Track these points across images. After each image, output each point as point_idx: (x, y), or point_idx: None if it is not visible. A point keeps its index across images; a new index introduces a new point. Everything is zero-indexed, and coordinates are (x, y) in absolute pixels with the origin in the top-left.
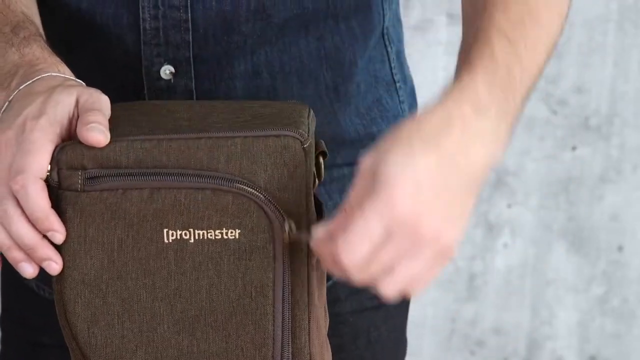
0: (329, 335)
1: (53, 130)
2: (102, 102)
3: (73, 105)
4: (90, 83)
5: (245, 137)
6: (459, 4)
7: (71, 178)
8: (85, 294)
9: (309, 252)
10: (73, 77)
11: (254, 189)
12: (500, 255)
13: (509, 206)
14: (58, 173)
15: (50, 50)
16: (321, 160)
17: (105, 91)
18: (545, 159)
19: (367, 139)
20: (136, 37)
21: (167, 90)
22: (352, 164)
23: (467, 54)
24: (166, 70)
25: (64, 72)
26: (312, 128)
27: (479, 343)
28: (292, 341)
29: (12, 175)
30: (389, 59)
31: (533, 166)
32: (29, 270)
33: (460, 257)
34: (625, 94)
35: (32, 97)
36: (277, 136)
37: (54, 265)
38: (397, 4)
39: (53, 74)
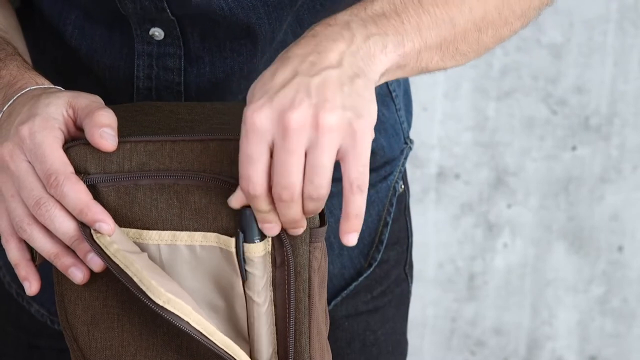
0: None
1: (51, 125)
2: (102, 101)
3: (64, 105)
4: None
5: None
6: None
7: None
8: (85, 296)
9: (311, 256)
10: (52, 86)
11: None
12: (500, 255)
13: (509, 206)
14: None
15: (28, 66)
16: None
17: None
18: (545, 159)
19: None
20: (130, 92)
21: None
22: None
23: None
24: None
25: (43, 83)
26: None
27: (479, 343)
28: (292, 344)
29: (46, 182)
30: None
31: (533, 166)
32: (79, 276)
33: (460, 257)
34: (625, 94)
35: (17, 110)
36: None
37: (96, 260)
38: None
39: (32, 87)
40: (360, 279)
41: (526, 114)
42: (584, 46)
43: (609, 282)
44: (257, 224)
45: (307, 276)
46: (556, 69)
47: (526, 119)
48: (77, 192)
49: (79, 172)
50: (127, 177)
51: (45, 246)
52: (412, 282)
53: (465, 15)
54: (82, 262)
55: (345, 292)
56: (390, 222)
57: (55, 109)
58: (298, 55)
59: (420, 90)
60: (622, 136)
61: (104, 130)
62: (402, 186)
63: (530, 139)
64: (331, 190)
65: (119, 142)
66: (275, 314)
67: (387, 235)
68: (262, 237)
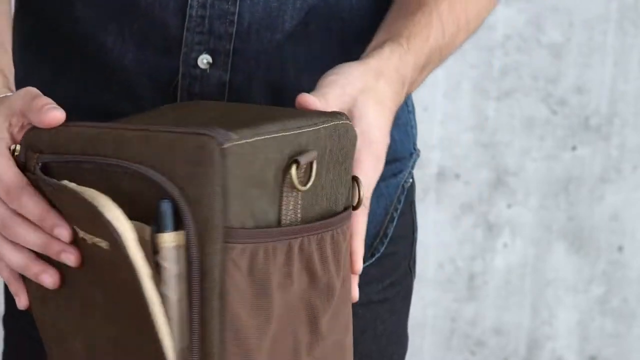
0: None
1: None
2: (33, 90)
3: (5, 121)
4: (122, 63)
5: (170, 132)
6: None
7: (31, 160)
8: None
9: (227, 257)
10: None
11: (170, 184)
12: (500, 255)
13: (509, 206)
14: (25, 154)
15: None
16: (293, 169)
17: (137, 74)
18: (545, 159)
19: None
20: (180, 23)
21: (200, 79)
22: None
23: (409, 22)
24: (204, 60)
25: None
26: (303, 138)
27: (479, 343)
28: (196, 343)
29: (6, 197)
30: None
31: (533, 166)
32: (49, 280)
33: (460, 257)
34: (625, 94)
35: None
36: (198, 134)
37: (71, 256)
38: None
39: None
40: (363, 265)
41: (526, 114)
42: (584, 46)
43: (609, 282)
44: (171, 215)
45: (220, 278)
46: (556, 69)
47: (526, 119)
48: (35, 202)
49: (35, 151)
50: (72, 159)
51: (14, 260)
52: (414, 278)
53: (461, 37)
54: (51, 267)
55: None
56: (396, 217)
57: None
58: (391, 105)
59: (420, 90)
60: (622, 136)
61: (47, 106)
62: (411, 181)
63: (530, 139)
64: None
65: (69, 126)
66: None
67: (392, 229)
68: (175, 229)
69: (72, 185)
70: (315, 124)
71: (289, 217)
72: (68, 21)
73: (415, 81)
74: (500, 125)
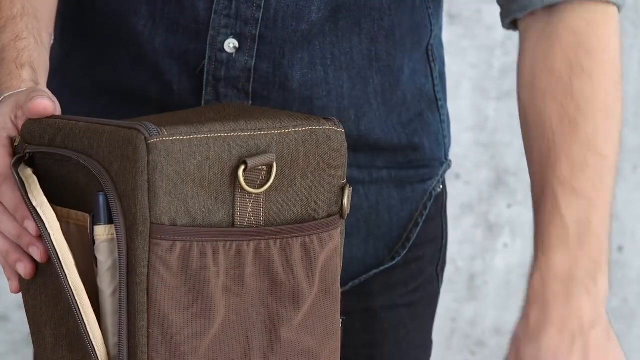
0: (360, 329)
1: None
2: (42, 88)
3: (10, 113)
4: (152, 47)
5: (112, 126)
6: (459, 4)
7: (22, 149)
8: None
9: (152, 254)
10: (24, 89)
11: (106, 178)
12: (500, 255)
13: (509, 206)
14: (22, 145)
15: (25, 58)
16: (240, 170)
17: (165, 58)
18: None
19: (409, 148)
20: (208, 5)
21: (227, 64)
22: (391, 167)
23: (540, 233)
24: (230, 44)
25: (20, 86)
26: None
27: (479, 343)
28: (125, 336)
29: None
30: (432, 76)
31: None
32: (21, 269)
33: (460, 257)
34: (625, 94)
35: None
36: (129, 128)
37: (37, 250)
38: (440, 28)
39: (7, 94)
40: (381, 267)
41: None
42: None
43: (609, 282)
44: (104, 208)
45: (145, 273)
46: None
47: None
48: (12, 193)
49: (26, 142)
50: (46, 150)
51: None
52: (441, 284)
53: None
54: (27, 257)
55: (364, 276)
56: (421, 223)
57: (3, 119)
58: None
59: None
60: (622, 136)
61: (34, 97)
62: (441, 187)
63: None
64: (371, 176)
65: (50, 118)
66: None
67: (415, 235)
68: (108, 222)
69: (16, 174)
70: (285, 127)
71: (246, 219)
72: (104, 5)
73: (602, 270)
74: (500, 125)
